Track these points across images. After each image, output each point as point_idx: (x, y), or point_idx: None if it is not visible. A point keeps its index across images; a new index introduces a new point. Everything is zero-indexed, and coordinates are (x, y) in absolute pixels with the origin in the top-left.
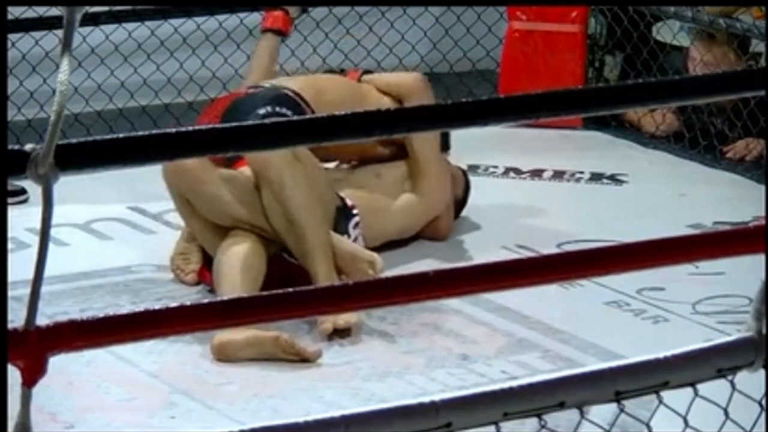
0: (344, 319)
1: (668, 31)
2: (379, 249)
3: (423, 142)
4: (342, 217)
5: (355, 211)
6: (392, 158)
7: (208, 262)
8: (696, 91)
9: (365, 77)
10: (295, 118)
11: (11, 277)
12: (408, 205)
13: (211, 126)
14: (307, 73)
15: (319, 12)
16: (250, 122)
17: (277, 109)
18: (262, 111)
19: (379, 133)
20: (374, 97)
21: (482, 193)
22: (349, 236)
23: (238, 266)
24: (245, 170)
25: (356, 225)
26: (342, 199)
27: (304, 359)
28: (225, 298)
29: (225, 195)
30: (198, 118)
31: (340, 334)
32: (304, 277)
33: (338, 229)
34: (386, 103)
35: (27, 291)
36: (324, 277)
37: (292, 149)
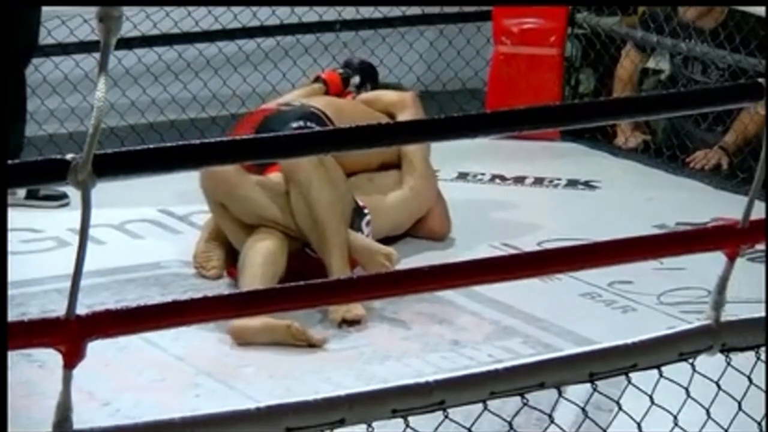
0: (353, 312)
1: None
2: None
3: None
4: (357, 216)
5: (366, 211)
6: (384, 167)
7: (233, 260)
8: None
9: (360, 97)
10: (316, 129)
11: (55, 271)
12: (401, 202)
13: (228, 138)
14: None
15: (327, 36)
16: (257, 135)
17: (308, 123)
18: (295, 125)
19: (383, 143)
20: (374, 114)
21: (471, 197)
22: (362, 233)
23: (260, 260)
24: (274, 176)
25: (368, 223)
26: (355, 201)
27: (311, 345)
28: (244, 290)
29: (257, 197)
30: (234, 129)
31: (349, 324)
32: (323, 270)
33: (354, 226)
34: (380, 117)
35: (68, 284)
36: (337, 269)
37: (318, 155)
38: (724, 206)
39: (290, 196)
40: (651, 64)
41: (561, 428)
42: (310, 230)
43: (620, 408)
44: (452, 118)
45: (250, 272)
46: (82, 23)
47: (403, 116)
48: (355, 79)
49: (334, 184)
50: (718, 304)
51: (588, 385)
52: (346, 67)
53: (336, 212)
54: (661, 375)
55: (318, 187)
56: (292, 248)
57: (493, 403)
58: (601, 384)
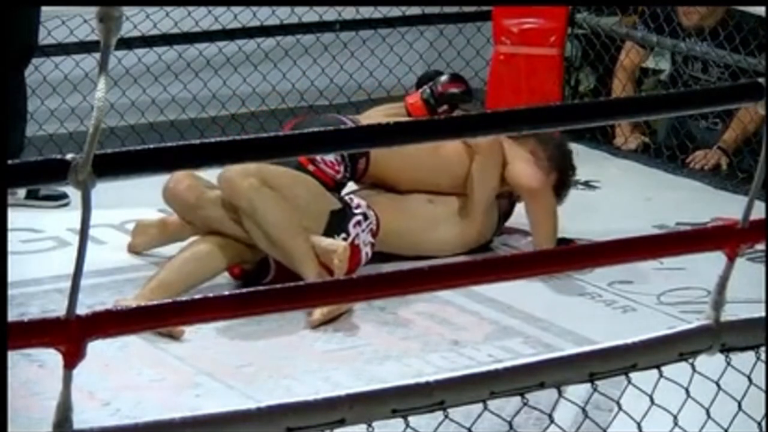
0: (328, 309)
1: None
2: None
3: (479, 186)
4: (340, 218)
5: (357, 211)
6: (449, 193)
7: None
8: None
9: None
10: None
11: (55, 271)
12: (446, 243)
13: (227, 138)
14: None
15: (327, 36)
16: (256, 136)
17: None
18: None
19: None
20: (450, 145)
21: None
22: (348, 234)
23: (186, 255)
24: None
25: (357, 223)
26: (344, 201)
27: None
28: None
29: (215, 215)
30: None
31: (329, 322)
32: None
33: (335, 229)
34: (452, 150)
35: (68, 284)
36: (312, 277)
37: (259, 175)
38: (724, 206)
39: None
40: (651, 64)
41: (561, 428)
42: (270, 248)
43: (620, 408)
44: (452, 118)
45: (170, 262)
46: (82, 23)
47: (479, 156)
48: (443, 108)
49: (281, 202)
50: (718, 304)
51: (588, 385)
52: (429, 83)
53: (288, 227)
54: (661, 375)
55: (262, 210)
56: (255, 258)
57: (493, 403)
58: (601, 384)
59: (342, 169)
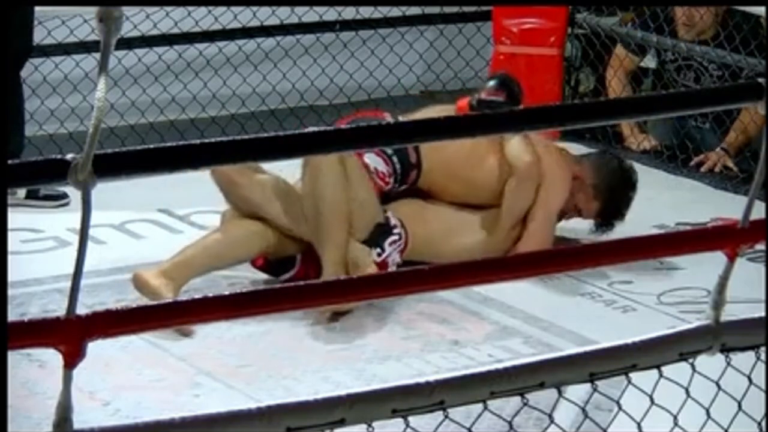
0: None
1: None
2: None
3: (512, 204)
4: (380, 233)
5: (396, 231)
6: (481, 205)
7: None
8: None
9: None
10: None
11: (55, 271)
12: (467, 248)
13: (227, 138)
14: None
15: (327, 36)
16: (256, 135)
17: None
18: None
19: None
20: (495, 157)
21: None
22: (382, 251)
23: (217, 235)
24: (278, 177)
25: (393, 243)
26: (386, 218)
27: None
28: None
29: (255, 197)
30: None
31: (338, 316)
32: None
33: (375, 242)
34: (495, 164)
35: (68, 284)
36: (330, 263)
37: (340, 158)
38: (724, 206)
39: (301, 182)
40: (652, 64)
41: (561, 428)
42: (312, 219)
43: (620, 408)
44: (452, 118)
45: (200, 239)
46: (82, 23)
47: (513, 179)
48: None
49: (344, 186)
50: (718, 304)
51: (588, 385)
52: (488, 92)
53: (338, 210)
54: (661, 375)
55: (325, 182)
56: (284, 251)
57: (493, 403)
58: (601, 384)
59: (392, 181)
